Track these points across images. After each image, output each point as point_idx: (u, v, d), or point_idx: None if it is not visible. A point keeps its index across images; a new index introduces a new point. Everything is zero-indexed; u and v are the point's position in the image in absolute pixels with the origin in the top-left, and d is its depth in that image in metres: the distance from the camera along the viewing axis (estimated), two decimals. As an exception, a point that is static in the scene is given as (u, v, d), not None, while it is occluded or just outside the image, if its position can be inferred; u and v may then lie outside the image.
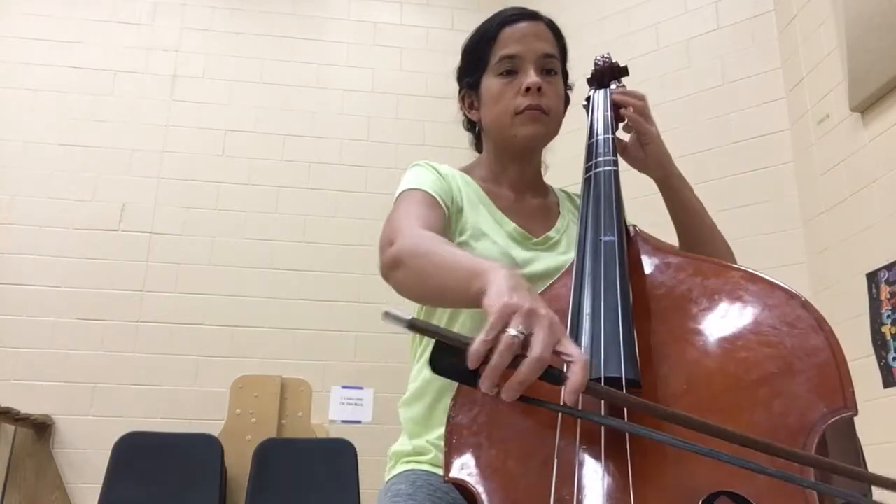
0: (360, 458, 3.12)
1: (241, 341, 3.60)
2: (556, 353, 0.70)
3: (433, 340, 0.73)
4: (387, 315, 0.69)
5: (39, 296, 3.52)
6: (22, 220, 3.61)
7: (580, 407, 0.80)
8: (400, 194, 1.19)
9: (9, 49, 3.82)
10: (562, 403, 0.70)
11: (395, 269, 1.02)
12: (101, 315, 3.54)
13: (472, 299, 0.79)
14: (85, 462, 3.32)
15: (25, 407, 3.21)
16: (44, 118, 3.76)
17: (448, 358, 0.70)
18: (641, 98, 1.25)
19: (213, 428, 3.29)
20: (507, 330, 0.68)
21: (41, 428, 3.31)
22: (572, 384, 0.68)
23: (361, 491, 3.05)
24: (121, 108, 3.84)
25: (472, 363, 0.68)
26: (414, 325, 0.69)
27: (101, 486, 2.96)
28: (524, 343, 0.69)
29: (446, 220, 1.17)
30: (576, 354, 0.70)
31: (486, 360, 0.68)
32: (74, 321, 3.52)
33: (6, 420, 3.16)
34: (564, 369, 0.70)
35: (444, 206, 1.17)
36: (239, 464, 3.20)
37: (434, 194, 1.17)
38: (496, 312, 0.70)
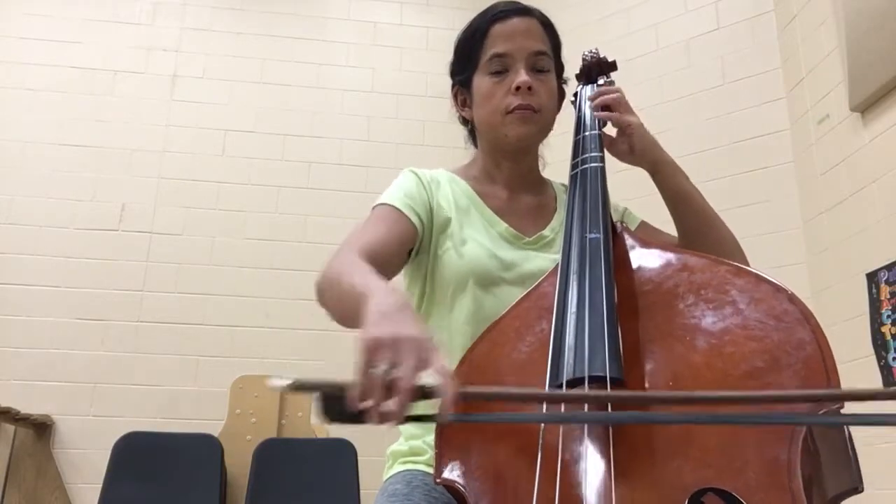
0: (360, 458, 3.11)
1: (241, 341, 3.59)
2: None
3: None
4: (272, 386, 0.72)
5: (39, 296, 3.52)
6: (22, 220, 3.60)
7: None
8: (372, 208, 1.20)
9: (9, 49, 3.82)
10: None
11: (321, 297, 1.05)
12: (101, 315, 3.53)
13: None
14: (85, 462, 3.32)
15: (25, 407, 3.21)
16: (44, 118, 3.75)
17: (335, 405, 0.72)
18: (617, 90, 1.24)
19: (213, 428, 3.28)
20: (373, 370, 0.70)
21: (41, 428, 3.31)
22: (444, 397, 0.70)
23: (361, 491, 3.04)
24: (121, 108, 3.83)
25: (353, 406, 0.70)
26: (296, 387, 0.72)
27: (101, 486, 2.95)
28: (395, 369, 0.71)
29: (416, 230, 1.17)
30: (441, 370, 0.71)
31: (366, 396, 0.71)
32: (74, 321, 3.51)
33: (6, 420, 3.16)
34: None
35: (413, 217, 1.17)
36: (239, 464, 3.19)
37: (401, 208, 1.17)
38: (361, 351, 0.72)
